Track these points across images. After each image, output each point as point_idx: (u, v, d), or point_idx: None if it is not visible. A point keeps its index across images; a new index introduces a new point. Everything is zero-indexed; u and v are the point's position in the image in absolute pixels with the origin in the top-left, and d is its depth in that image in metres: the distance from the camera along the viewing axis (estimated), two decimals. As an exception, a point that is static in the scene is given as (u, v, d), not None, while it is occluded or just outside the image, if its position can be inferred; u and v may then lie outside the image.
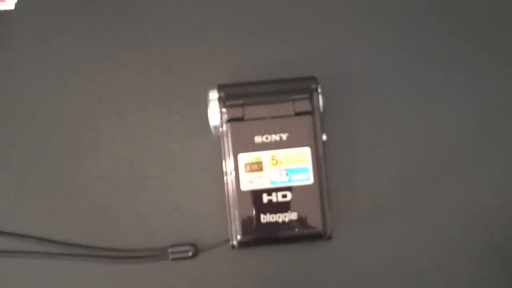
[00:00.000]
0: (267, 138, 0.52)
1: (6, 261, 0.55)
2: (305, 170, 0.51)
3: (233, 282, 0.55)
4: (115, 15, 0.58)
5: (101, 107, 0.57)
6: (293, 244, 0.54)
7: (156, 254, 0.55)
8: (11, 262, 0.55)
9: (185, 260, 0.54)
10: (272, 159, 0.52)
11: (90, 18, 0.58)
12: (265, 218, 0.51)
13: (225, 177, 0.52)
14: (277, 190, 0.51)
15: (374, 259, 0.55)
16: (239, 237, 0.51)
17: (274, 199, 0.51)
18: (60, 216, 0.56)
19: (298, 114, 0.52)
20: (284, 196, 0.51)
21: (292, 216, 0.51)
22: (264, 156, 0.52)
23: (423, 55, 0.58)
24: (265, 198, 0.51)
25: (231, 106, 0.52)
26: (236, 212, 0.51)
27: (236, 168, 0.52)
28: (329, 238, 0.52)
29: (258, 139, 0.52)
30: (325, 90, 0.53)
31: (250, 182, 0.51)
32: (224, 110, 0.52)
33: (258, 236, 0.51)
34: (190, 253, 0.54)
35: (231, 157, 0.52)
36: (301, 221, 0.51)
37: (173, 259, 0.54)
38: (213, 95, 0.53)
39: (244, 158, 0.52)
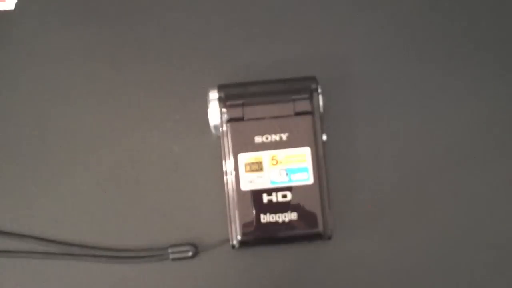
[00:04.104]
0: (267, 138, 0.52)
1: (6, 261, 0.55)
2: (305, 170, 0.51)
3: (233, 282, 0.55)
4: (115, 15, 0.58)
5: (101, 107, 0.57)
6: (293, 244, 0.54)
7: (156, 254, 0.55)
8: (11, 262, 0.55)
9: (185, 260, 0.54)
10: (272, 159, 0.52)
11: (90, 18, 0.58)
12: (265, 218, 0.51)
13: (225, 177, 0.52)
14: (277, 190, 0.51)
15: (374, 259, 0.55)
16: (239, 237, 0.51)
17: (274, 199, 0.51)
18: (60, 216, 0.56)
19: (298, 114, 0.52)
20: (284, 196, 0.51)
21: (292, 216, 0.51)
22: (264, 156, 0.52)
23: (423, 55, 0.58)
24: (265, 198, 0.51)
25: (231, 106, 0.52)
26: (236, 212, 0.51)
27: (236, 168, 0.52)
28: (329, 238, 0.52)
29: (258, 139, 0.52)
30: (325, 90, 0.53)
31: (250, 182, 0.51)
32: (224, 110, 0.52)
33: (258, 236, 0.51)
34: (190, 253, 0.54)
35: (231, 157, 0.52)
36: (301, 221, 0.51)
37: (173, 259, 0.54)
38: (213, 95, 0.53)
39: (244, 158, 0.52)
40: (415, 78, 0.57)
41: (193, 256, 0.54)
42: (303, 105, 0.52)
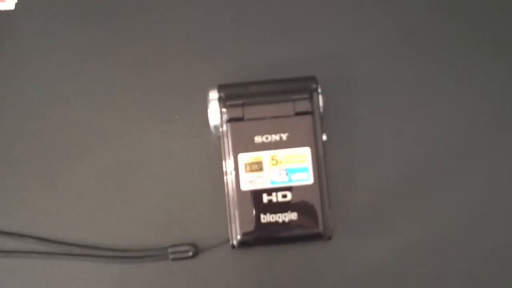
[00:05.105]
0: (267, 138, 0.52)
1: (6, 261, 0.55)
2: (305, 170, 0.51)
3: (233, 282, 0.55)
4: (115, 15, 0.58)
5: (101, 107, 0.57)
6: (293, 244, 0.54)
7: (156, 254, 0.55)
8: (11, 262, 0.55)
9: (185, 260, 0.54)
10: (272, 159, 0.52)
11: (90, 18, 0.58)
12: (265, 218, 0.51)
13: (225, 177, 0.52)
14: (277, 190, 0.51)
15: (374, 259, 0.55)
16: (239, 237, 0.51)
17: (274, 199, 0.51)
18: (60, 216, 0.56)
19: (298, 114, 0.52)
20: (284, 196, 0.51)
21: (292, 216, 0.51)
22: (264, 156, 0.52)
23: (423, 55, 0.58)
24: (265, 198, 0.51)
25: (231, 106, 0.52)
26: (236, 212, 0.51)
27: (236, 168, 0.52)
28: (329, 238, 0.52)
29: (258, 139, 0.52)
30: (325, 90, 0.53)
31: (250, 182, 0.51)
32: (224, 110, 0.52)
33: (258, 236, 0.51)
34: (190, 253, 0.54)
35: (231, 157, 0.52)
36: (301, 221, 0.51)
37: (173, 259, 0.54)
38: (213, 95, 0.53)
39: (244, 158, 0.52)
40: (415, 78, 0.57)
41: (193, 256, 0.54)
42: (303, 105, 0.52)
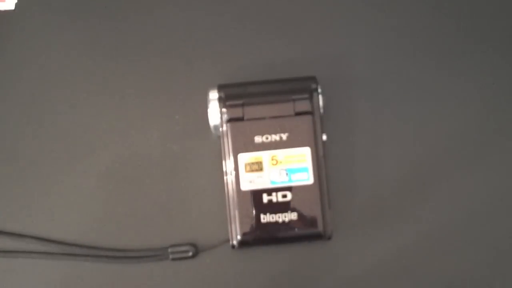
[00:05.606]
0: (267, 138, 0.52)
1: (6, 261, 0.55)
2: (305, 170, 0.51)
3: (233, 282, 0.55)
4: (115, 15, 0.58)
5: (101, 107, 0.57)
6: (293, 244, 0.54)
7: (156, 254, 0.55)
8: (11, 262, 0.55)
9: (185, 260, 0.54)
10: (272, 159, 0.52)
11: (90, 18, 0.58)
12: (265, 218, 0.51)
13: (225, 177, 0.52)
14: (277, 190, 0.51)
15: (374, 259, 0.55)
16: (239, 237, 0.51)
17: (274, 199, 0.51)
18: (60, 216, 0.56)
19: (298, 114, 0.52)
20: (284, 196, 0.51)
21: (292, 216, 0.51)
22: (264, 156, 0.52)
23: (423, 54, 0.58)
24: (265, 198, 0.51)
25: (231, 106, 0.52)
26: (236, 212, 0.51)
27: (236, 168, 0.52)
28: (329, 238, 0.52)
29: (258, 139, 0.52)
30: (325, 90, 0.53)
31: (250, 182, 0.51)
32: (224, 110, 0.52)
33: (258, 236, 0.51)
34: (190, 253, 0.54)
35: (231, 157, 0.52)
36: (301, 221, 0.51)
37: (173, 259, 0.54)
38: (213, 95, 0.53)
39: (244, 158, 0.52)
40: (415, 78, 0.57)
41: (193, 256, 0.54)
42: (303, 105, 0.52)
